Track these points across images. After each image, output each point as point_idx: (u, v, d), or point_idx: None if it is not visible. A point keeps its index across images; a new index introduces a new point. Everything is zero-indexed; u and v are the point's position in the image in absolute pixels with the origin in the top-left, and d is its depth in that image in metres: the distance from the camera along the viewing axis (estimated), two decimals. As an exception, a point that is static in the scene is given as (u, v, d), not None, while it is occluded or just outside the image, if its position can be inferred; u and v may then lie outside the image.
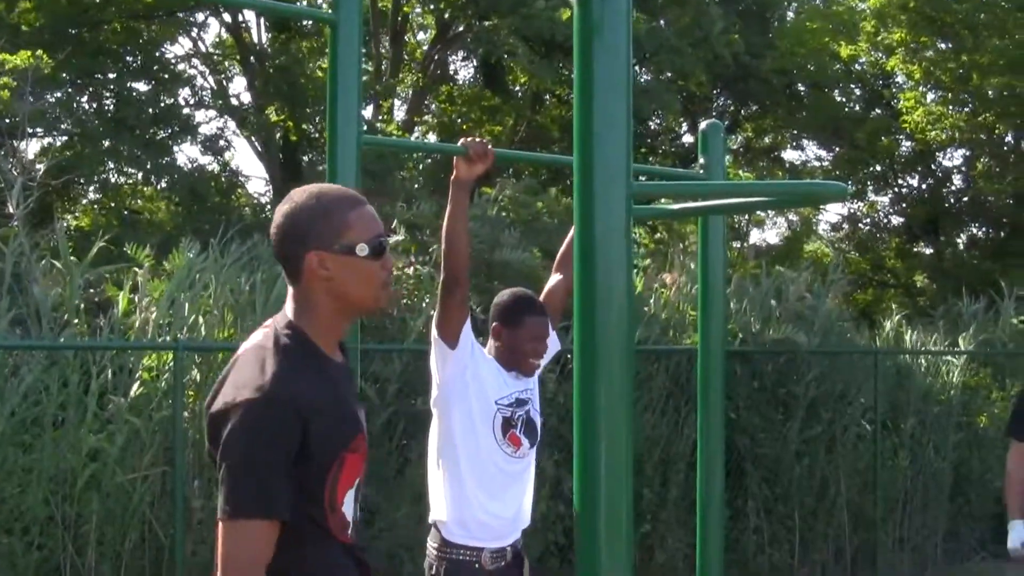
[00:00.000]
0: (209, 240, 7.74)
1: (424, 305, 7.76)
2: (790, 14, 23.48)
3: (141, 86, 17.20)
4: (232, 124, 19.49)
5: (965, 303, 12.66)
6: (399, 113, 20.23)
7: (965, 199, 21.88)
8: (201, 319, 7.45)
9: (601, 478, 1.78)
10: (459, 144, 3.99)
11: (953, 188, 22.38)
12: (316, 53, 17.94)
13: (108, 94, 16.93)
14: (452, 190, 4.06)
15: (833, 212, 25.47)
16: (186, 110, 18.17)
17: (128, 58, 17.35)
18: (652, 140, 22.86)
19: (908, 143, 21.68)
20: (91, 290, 8.06)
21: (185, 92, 18.67)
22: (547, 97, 20.36)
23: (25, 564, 6.39)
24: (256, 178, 33.04)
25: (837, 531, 10.01)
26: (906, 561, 10.51)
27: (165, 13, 17.62)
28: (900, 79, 21.83)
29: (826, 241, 26.22)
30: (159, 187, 17.76)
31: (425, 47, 21.08)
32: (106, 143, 15.36)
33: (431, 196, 9.90)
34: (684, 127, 23.78)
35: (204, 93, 19.43)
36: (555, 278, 4.63)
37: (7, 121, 11.94)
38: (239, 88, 21.22)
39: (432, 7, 18.88)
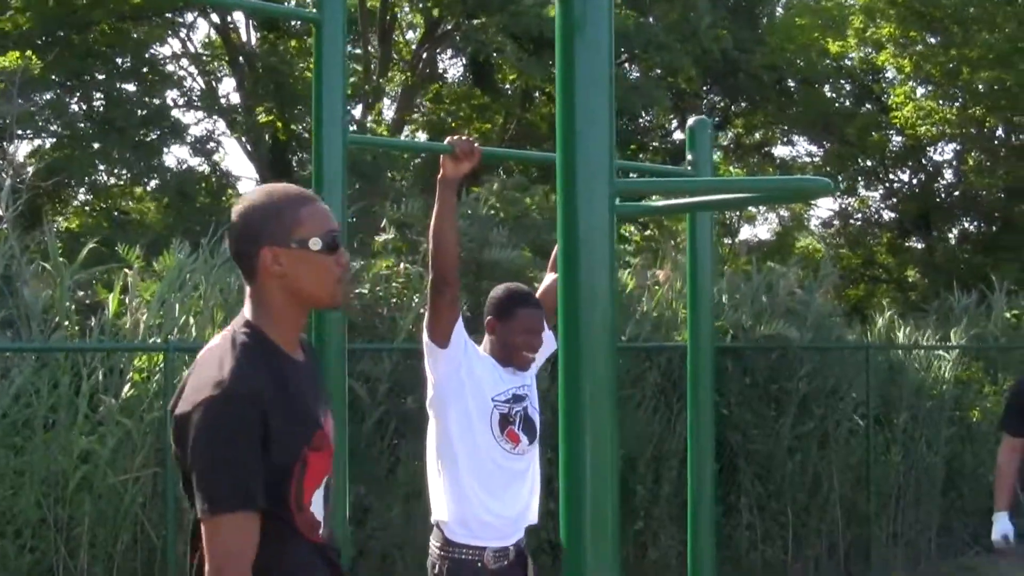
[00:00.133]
0: (199, 241, 7.72)
1: (414, 304, 7.75)
2: (779, 10, 23.51)
3: (130, 87, 17.17)
4: (221, 125, 19.49)
5: (956, 297, 12.69)
6: (388, 113, 20.23)
7: (956, 193, 21.92)
8: (192, 320, 7.43)
9: (587, 478, 1.77)
10: (445, 142, 3.99)
11: (944, 183, 22.43)
12: (304, 53, 17.92)
13: (97, 95, 16.89)
14: (439, 189, 4.05)
15: (824, 208, 25.54)
16: (175, 111, 18.16)
17: (117, 59, 17.31)
18: (642, 137, 22.88)
19: (899, 138, 21.71)
20: (81, 292, 8.04)
21: (174, 93, 18.66)
22: (536, 94, 20.37)
23: (17, 567, 6.37)
24: (246, 178, 32.95)
25: (830, 527, 10.01)
26: (899, 556, 10.52)
27: (154, 14, 17.58)
28: (890, 74, 21.88)
29: (817, 237, 26.25)
30: (148, 188, 17.74)
31: (414, 46, 21.07)
32: (95, 145, 15.33)
33: (421, 195, 9.89)
34: (674, 124, 23.80)
35: (193, 94, 19.41)
36: (550, 277, 4.62)
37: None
38: (228, 89, 21.19)
39: (421, 5, 18.86)
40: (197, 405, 2.52)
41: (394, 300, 7.87)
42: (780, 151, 25.48)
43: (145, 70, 17.39)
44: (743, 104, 23.45)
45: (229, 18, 18.68)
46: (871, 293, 22.36)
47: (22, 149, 16.24)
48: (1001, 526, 5.83)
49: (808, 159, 24.30)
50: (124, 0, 16.48)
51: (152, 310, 7.28)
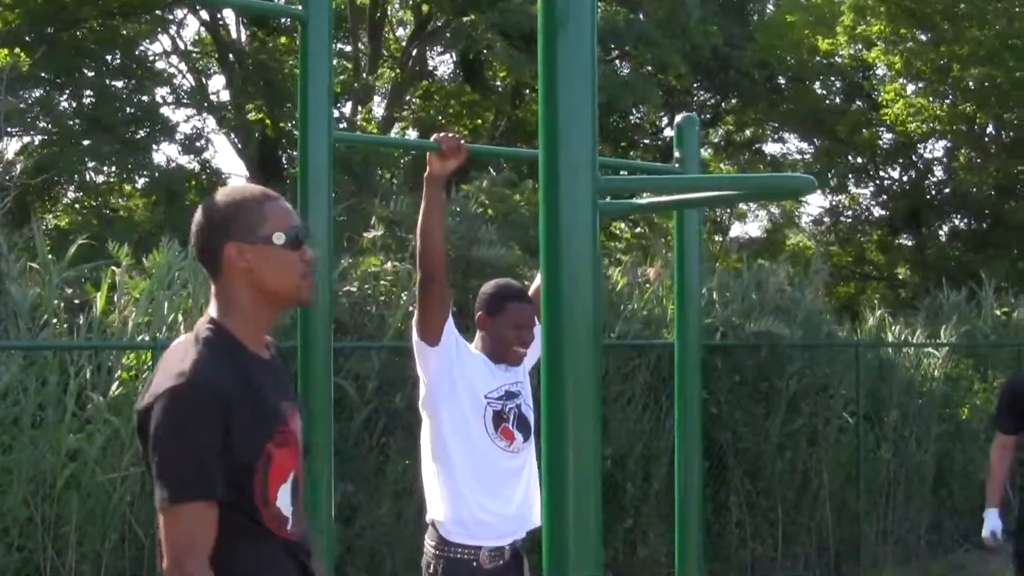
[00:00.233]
0: (188, 239, 7.68)
1: (402, 301, 7.74)
2: (770, 7, 23.52)
3: (120, 84, 17.13)
4: (211, 122, 19.45)
5: (945, 294, 12.71)
6: (379, 110, 20.21)
7: (946, 191, 21.96)
8: (180, 318, 7.41)
9: (569, 477, 1.76)
10: (432, 140, 3.98)
11: (934, 180, 22.46)
12: (294, 51, 17.89)
13: (87, 93, 16.85)
14: (426, 186, 4.04)
15: (815, 205, 25.56)
16: (164, 109, 18.13)
17: (107, 56, 17.28)
18: (633, 134, 22.88)
19: (889, 135, 21.74)
20: (70, 290, 8.01)
21: (164, 91, 18.62)
22: (527, 91, 20.38)
23: (5, 565, 6.35)
24: (236, 175, 32.93)
25: (820, 524, 10.02)
26: (889, 554, 10.53)
27: (143, 11, 17.54)
28: (880, 71, 21.89)
29: (808, 234, 26.29)
30: (137, 186, 17.70)
31: (404, 43, 21.05)
32: (85, 142, 15.29)
33: (410, 193, 9.87)
34: (665, 121, 23.81)
35: (182, 91, 19.38)
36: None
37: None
38: (218, 86, 21.16)
39: (410, 2, 18.86)
40: (159, 397, 2.55)
41: (383, 298, 7.86)
42: (771, 148, 25.53)
43: (135, 67, 17.35)
44: (734, 101, 23.46)
45: (219, 15, 18.67)
46: (861, 290, 22.40)
47: (11, 146, 16.23)
48: (991, 523, 5.90)
49: (799, 156, 24.33)
50: (112, -3, 16.48)
51: (140, 308, 7.26)
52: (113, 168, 16.76)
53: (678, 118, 4.30)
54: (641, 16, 18.14)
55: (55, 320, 7.09)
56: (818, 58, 21.66)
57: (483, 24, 15.60)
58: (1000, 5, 18.73)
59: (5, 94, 12.07)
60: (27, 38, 15.32)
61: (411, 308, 6.88)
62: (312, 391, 3.42)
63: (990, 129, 21.20)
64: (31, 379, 6.64)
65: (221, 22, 18.82)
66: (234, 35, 19.14)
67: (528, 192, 9.68)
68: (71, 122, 15.90)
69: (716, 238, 25.78)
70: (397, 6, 20.62)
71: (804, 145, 24.29)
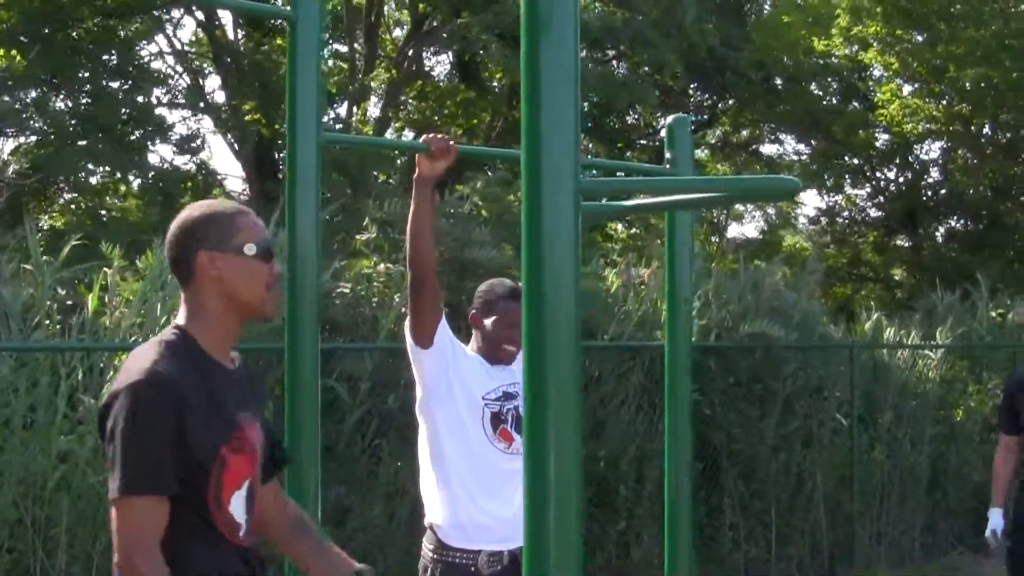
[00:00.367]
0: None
1: (395, 303, 7.72)
2: (766, 8, 23.51)
3: (115, 85, 17.09)
4: (207, 123, 19.44)
5: (940, 295, 12.70)
6: (375, 110, 20.19)
7: (943, 192, 21.95)
8: (173, 319, 7.38)
9: (550, 481, 1.74)
10: (421, 141, 3.96)
11: (931, 181, 22.45)
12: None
13: (83, 94, 16.81)
14: (416, 188, 4.02)
15: (811, 206, 25.57)
16: (160, 109, 18.09)
17: (103, 57, 17.23)
18: (630, 134, 22.87)
19: (885, 136, 21.73)
20: (63, 291, 7.99)
21: (160, 91, 18.58)
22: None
23: (-5, 567, 6.35)
24: (233, 177, 32.94)
25: (814, 526, 10.01)
26: (883, 555, 10.52)
27: (138, 11, 17.50)
28: (876, 72, 21.88)
29: (805, 235, 26.29)
30: (134, 187, 17.66)
31: (400, 44, 21.02)
32: (80, 142, 15.24)
33: (405, 194, 9.86)
34: (661, 122, 23.77)
35: (178, 91, 19.34)
36: None
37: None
38: (214, 87, 21.15)
39: (407, 1, 18.83)
40: (118, 393, 2.65)
41: (375, 299, 7.84)
42: (767, 149, 25.52)
43: (131, 68, 17.31)
44: (730, 102, 23.45)
45: (216, 17, 18.63)
46: (857, 291, 22.40)
47: (6, 147, 16.21)
48: (992, 522, 5.98)
49: (795, 157, 24.32)
50: (107, -4, 16.44)
51: (133, 309, 7.24)
52: (106, 169, 16.70)
53: (669, 119, 4.28)
54: (639, 17, 18.11)
55: (47, 321, 7.07)
56: (814, 59, 21.64)
57: (477, 26, 15.59)
58: (996, 6, 18.73)
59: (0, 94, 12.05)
60: (22, 38, 15.26)
61: (404, 310, 6.87)
62: (299, 394, 3.41)
63: (986, 130, 21.18)
64: (22, 380, 6.63)
65: (217, 23, 18.79)
66: (230, 36, 19.13)
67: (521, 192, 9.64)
68: (67, 122, 15.85)
69: (713, 239, 25.79)
70: (393, 6, 20.58)
71: (801, 146, 24.29)
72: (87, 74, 16.77)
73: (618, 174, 6.97)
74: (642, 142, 23.18)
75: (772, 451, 9.59)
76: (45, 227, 15.92)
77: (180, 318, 2.84)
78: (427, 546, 4.23)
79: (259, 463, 2.87)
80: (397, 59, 19.92)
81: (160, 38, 19.53)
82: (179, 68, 19.82)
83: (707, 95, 23.77)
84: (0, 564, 6.39)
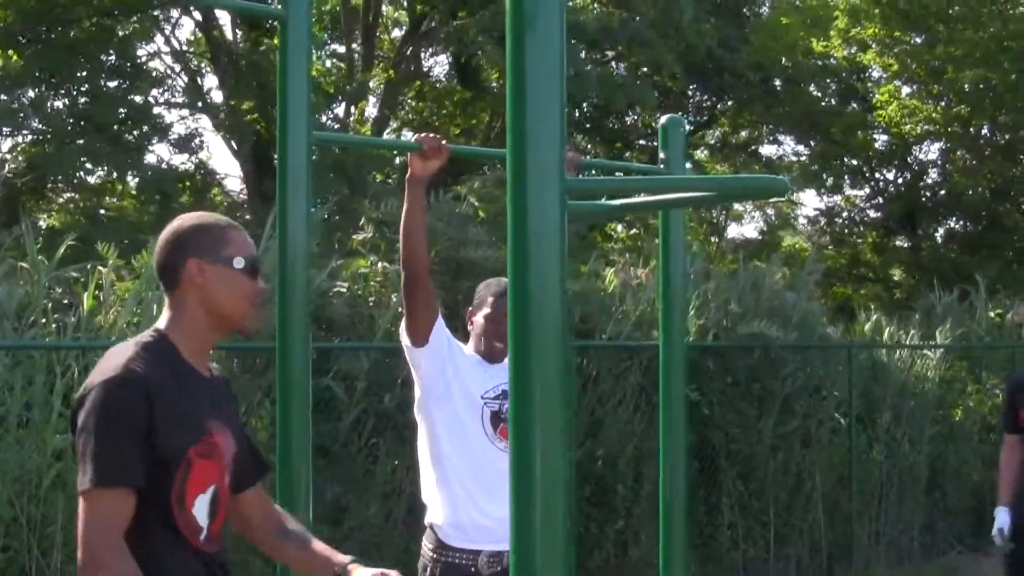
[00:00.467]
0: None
1: (392, 302, 7.72)
2: (764, 9, 23.49)
3: (113, 84, 17.07)
4: (206, 123, 19.43)
5: (938, 295, 12.70)
6: (373, 111, 20.18)
7: (942, 193, 21.94)
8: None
9: (536, 483, 1.74)
10: (413, 140, 3.95)
11: (929, 182, 22.44)
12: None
13: (80, 93, 16.79)
14: (408, 187, 4.01)
15: (811, 207, 25.56)
16: (158, 109, 18.06)
17: (102, 56, 17.22)
18: (628, 135, 22.86)
19: (884, 137, 21.71)
20: (59, 290, 7.98)
21: (158, 92, 18.56)
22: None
23: (-10, 566, 6.34)
24: (233, 176, 32.94)
25: (812, 526, 10.00)
26: (882, 555, 10.52)
27: (136, 11, 17.48)
28: (875, 73, 21.86)
29: (804, 236, 26.28)
30: (131, 187, 17.64)
31: (398, 44, 21.01)
32: (78, 142, 15.22)
33: (401, 194, 9.84)
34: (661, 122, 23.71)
35: (176, 91, 19.34)
36: None
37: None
38: (212, 86, 21.14)
39: (405, 2, 18.80)
40: (90, 389, 2.70)
41: (372, 299, 7.84)
42: (766, 150, 25.50)
43: (128, 67, 17.29)
44: (729, 103, 23.43)
45: (213, 17, 18.62)
46: (856, 292, 22.39)
47: (3, 146, 16.20)
48: (999, 520, 5.99)
49: (795, 158, 24.31)
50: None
51: (128, 308, 7.23)
52: (104, 169, 16.68)
53: (663, 119, 4.27)
54: (637, 18, 18.09)
55: (44, 320, 7.06)
56: (813, 60, 21.62)
57: (474, 28, 15.57)
58: (995, 8, 18.71)
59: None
60: (20, 38, 15.25)
61: (401, 309, 6.86)
62: (290, 393, 3.40)
63: (985, 131, 21.17)
64: (18, 378, 6.62)
65: (214, 23, 18.78)
66: (229, 36, 19.11)
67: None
68: (64, 122, 15.82)
69: (713, 240, 25.77)
70: (391, 7, 20.56)
71: (800, 147, 24.28)
72: (85, 73, 16.75)
73: (617, 174, 6.96)
74: (641, 143, 23.17)
75: (771, 451, 9.59)
76: (44, 226, 15.90)
77: (161, 322, 2.89)
78: (427, 546, 4.22)
79: (228, 472, 2.92)
80: (395, 59, 19.91)
81: (158, 38, 19.54)
82: (177, 67, 19.82)
83: (706, 96, 23.76)
84: (-5, 563, 6.39)
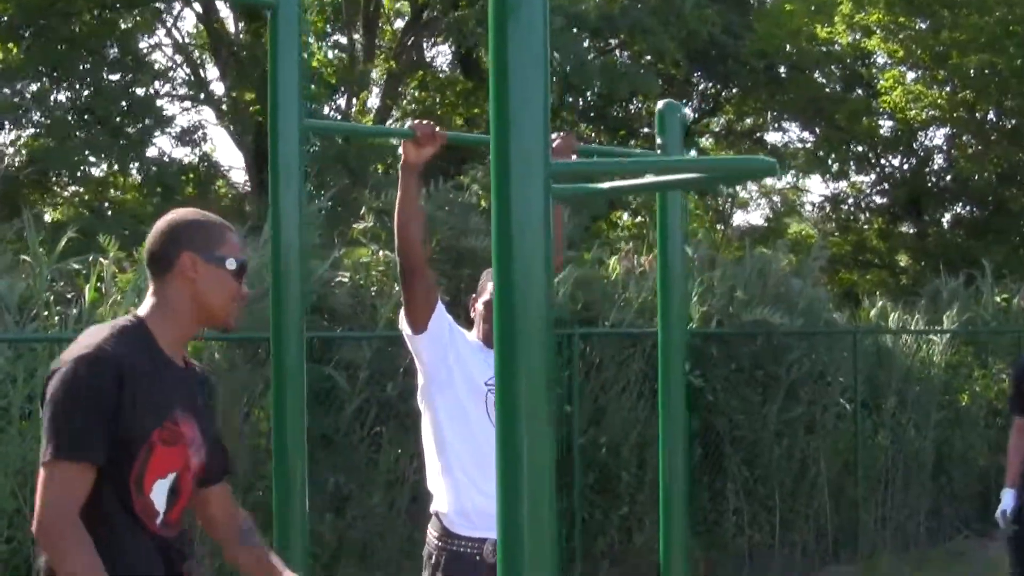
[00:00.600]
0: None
1: (394, 291, 7.71)
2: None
3: (115, 77, 17.05)
4: (209, 115, 19.42)
5: (943, 280, 12.67)
6: (375, 101, 20.15)
7: (948, 178, 21.88)
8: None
9: (523, 472, 1.73)
10: (406, 127, 3.93)
11: (935, 167, 22.39)
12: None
13: (82, 86, 16.77)
14: (401, 175, 3.99)
15: (817, 193, 25.50)
16: (161, 102, 18.04)
17: (103, 49, 17.19)
18: (632, 124, 22.82)
19: (889, 123, 21.66)
20: (61, 282, 7.98)
21: (161, 84, 18.55)
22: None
23: (-5, 558, 6.35)
24: (237, 168, 32.91)
25: (818, 512, 9.99)
26: (888, 541, 10.50)
27: (136, 4, 17.45)
28: (880, 60, 21.79)
29: (810, 223, 26.24)
30: (136, 178, 17.64)
31: (400, 34, 20.97)
32: (79, 135, 15.22)
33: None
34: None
35: (177, 83, 19.32)
36: None
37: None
38: (214, 77, 21.11)
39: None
40: (62, 365, 2.77)
41: (374, 288, 7.83)
42: (771, 137, 25.44)
43: (131, 60, 17.26)
44: (734, 90, 23.37)
45: (215, 8, 18.60)
46: (861, 278, 22.36)
47: (5, 139, 16.20)
48: (1004, 502, 5.98)
49: (799, 145, 24.26)
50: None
51: (129, 300, 7.23)
52: (104, 165, 16.67)
53: (660, 104, 4.25)
54: (639, 5, 18.02)
55: (46, 312, 7.06)
56: (817, 46, 21.55)
57: (473, 19, 15.50)
58: (1000, -9, 18.64)
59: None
60: (21, 31, 15.23)
61: (402, 298, 6.85)
62: (285, 384, 3.38)
63: (991, 116, 21.10)
64: (20, 371, 6.62)
65: (215, 15, 18.76)
66: (231, 28, 19.09)
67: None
68: (66, 115, 15.81)
69: (719, 227, 25.73)
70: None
71: (805, 134, 24.21)
72: (87, 66, 16.73)
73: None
74: (645, 131, 23.12)
75: (775, 437, 9.57)
76: (48, 219, 15.90)
77: (142, 309, 2.95)
78: (432, 533, 4.20)
79: (194, 463, 2.96)
80: (396, 50, 19.88)
81: (160, 31, 19.51)
82: (178, 59, 19.80)
83: (710, 83, 23.70)
84: (-1, 554, 6.41)
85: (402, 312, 4.20)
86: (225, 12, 18.85)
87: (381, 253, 7.93)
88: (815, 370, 9.97)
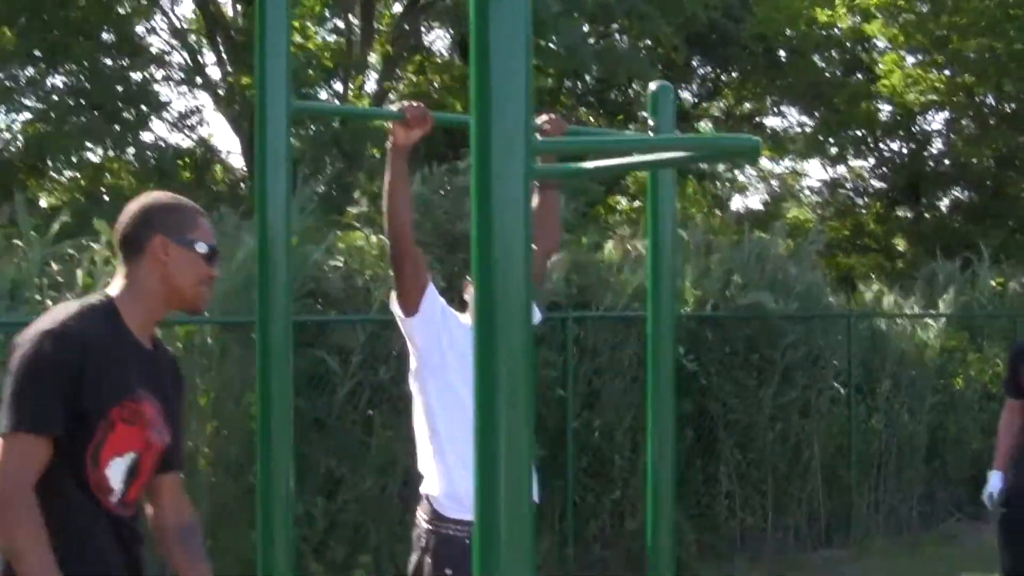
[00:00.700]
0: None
1: (389, 275, 7.69)
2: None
3: (110, 62, 16.97)
4: (206, 100, 19.35)
5: (939, 264, 12.67)
6: (373, 85, 20.08)
7: (946, 162, 21.85)
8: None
9: (501, 458, 1.72)
10: (395, 108, 3.91)
11: (934, 151, 22.35)
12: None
13: (79, 72, 16.70)
14: (390, 157, 3.97)
15: (815, 178, 25.45)
16: (157, 86, 17.97)
17: (99, 34, 17.11)
18: (632, 107, 22.78)
19: (888, 107, 21.61)
20: (55, 266, 7.96)
21: (155, 69, 18.46)
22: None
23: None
24: (236, 153, 32.81)
25: (811, 495, 10.01)
26: (880, 524, 10.52)
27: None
28: (880, 44, 21.73)
29: (808, 207, 26.20)
30: (134, 163, 17.58)
31: (397, 17, 20.89)
32: (76, 119, 15.16)
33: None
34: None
35: (173, 69, 19.23)
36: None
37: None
38: (211, 62, 21.00)
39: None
40: (26, 340, 2.81)
41: (368, 272, 7.81)
42: (771, 122, 25.39)
43: (127, 44, 17.18)
44: (733, 75, 23.31)
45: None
46: (858, 262, 22.35)
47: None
48: (991, 484, 5.96)
49: (799, 129, 24.22)
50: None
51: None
52: (100, 150, 16.61)
53: (653, 86, 4.22)
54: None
55: (38, 296, 7.04)
56: (817, 30, 21.49)
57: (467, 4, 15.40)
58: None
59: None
60: (17, 15, 15.15)
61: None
62: (269, 367, 3.35)
63: (990, 100, 21.06)
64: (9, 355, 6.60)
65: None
66: (229, 12, 19.01)
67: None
68: (63, 100, 15.75)
69: (716, 212, 25.69)
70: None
71: (804, 118, 24.16)
72: (83, 51, 16.65)
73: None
74: (643, 114, 23.09)
75: (769, 420, 9.58)
76: (45, 205, 15.86)
77: (111, 289, 2.99)
78: (422, 516, 4.19)
79: (156, 445, 2.99)
80: (394, 34, 19.79)
81: (157, 16, 19.41)
82: (175, 43, 19.70)
83: (710, 68, 23.64)
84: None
85: (393, 295, 4.19)
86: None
87: (375, 237, 7.91)
88: (810, 354, 9.97)
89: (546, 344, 8.22)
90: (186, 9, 27.43)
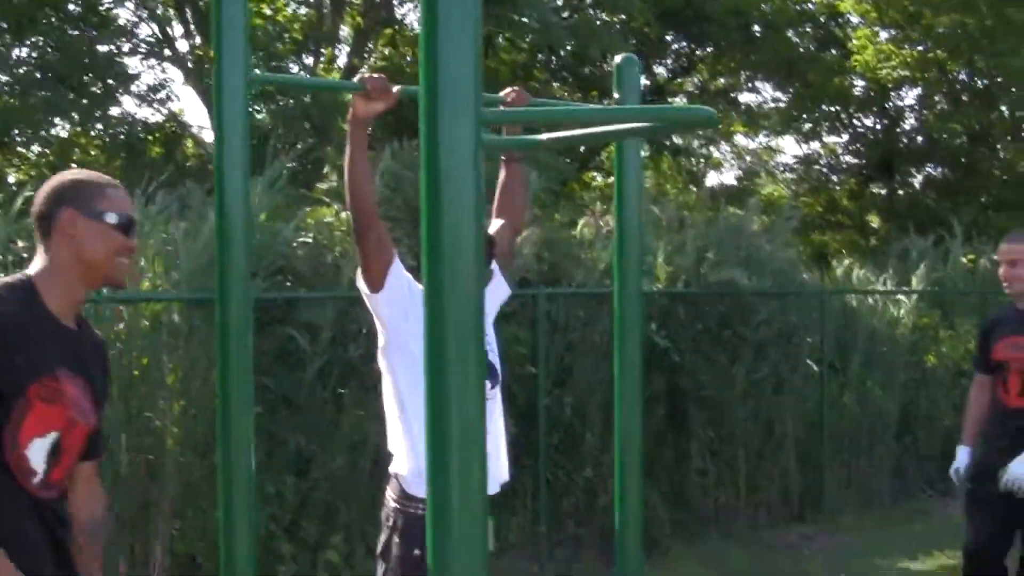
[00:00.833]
0: (134, 190, 7.53)
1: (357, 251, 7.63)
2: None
3: (77, 33, 16.76)
4: (176, 74, 19.16)
5: (912, 240, 12.69)
6: (344, 60, 19.92)
7: (919, 139, 21.90)
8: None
9: (453, 439, 1.68)
10: (356, 80, 3.84)
11: (907, 127, 22.40)
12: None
13: (46, 43, 16.49)
14: (350, 129, 3.89)
15: (789, 154, 25.47)
16: (126, 59, 17.76)
17: (69, 6, 16.91)
18: (605, 82, 22.70)
19: (861, 83, 21.64)
20: (20, 243, 7.86)
21: (123, 42, 18.25)
22: (499, 39, 20.12)
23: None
24: (208, 129, 32.58)
25: (783, 472, 10.03)
26: (851, 500, 10.55)
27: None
28: (853, 20, 21.75)
29: (782, 184, 26.25)
30: (103, 141, 17.41)
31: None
32: (43, 93, 14.98)
33: (376, 142, 9.71)
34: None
35: (142, 41, 19.02)
36: (496, 223, 4.47)
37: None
38: (180, 35, 20.80)
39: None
40: None
41: (337, 248, 7.74)
42: (745, 97, 25.37)
43: (94, 17, 16.97)
44: (708, 50, 23.26)
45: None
46: (832, 238, 22.40)
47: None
48: (958, 459, 5.96)
49: (772, 104, 24.23)
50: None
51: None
52: (69, 124, 16.42)
53: (617, 58, 4.16)
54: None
55: (3, 274, 6.95)
56: (791, 5, 21.47)
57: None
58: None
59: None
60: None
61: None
62: (228, 344, 3.28)
63: (962, 76, 21.11)
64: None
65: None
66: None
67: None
68: (28, 73, 15.55)
69: (691, 188, 25.69)
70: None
71: (779, 94, 24.16)
72: (48, 23, 16.43)
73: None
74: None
75: (741, 398, 9.57)
76: (12, 181, 15.68)
77: (31, 268, 2.97)
78: (390, 494, 4.14)
79: (81, 426, 2.96)
80: (365, 6, 19.63)
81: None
82: (143, 14, 19.47)
83: (684, 43, 23.57)
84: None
85: (358, 271, 4.14)
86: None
87: (344, 213, 7.83)
88: (783, 331, 9.97)
89: (516, 321, 8.17)
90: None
